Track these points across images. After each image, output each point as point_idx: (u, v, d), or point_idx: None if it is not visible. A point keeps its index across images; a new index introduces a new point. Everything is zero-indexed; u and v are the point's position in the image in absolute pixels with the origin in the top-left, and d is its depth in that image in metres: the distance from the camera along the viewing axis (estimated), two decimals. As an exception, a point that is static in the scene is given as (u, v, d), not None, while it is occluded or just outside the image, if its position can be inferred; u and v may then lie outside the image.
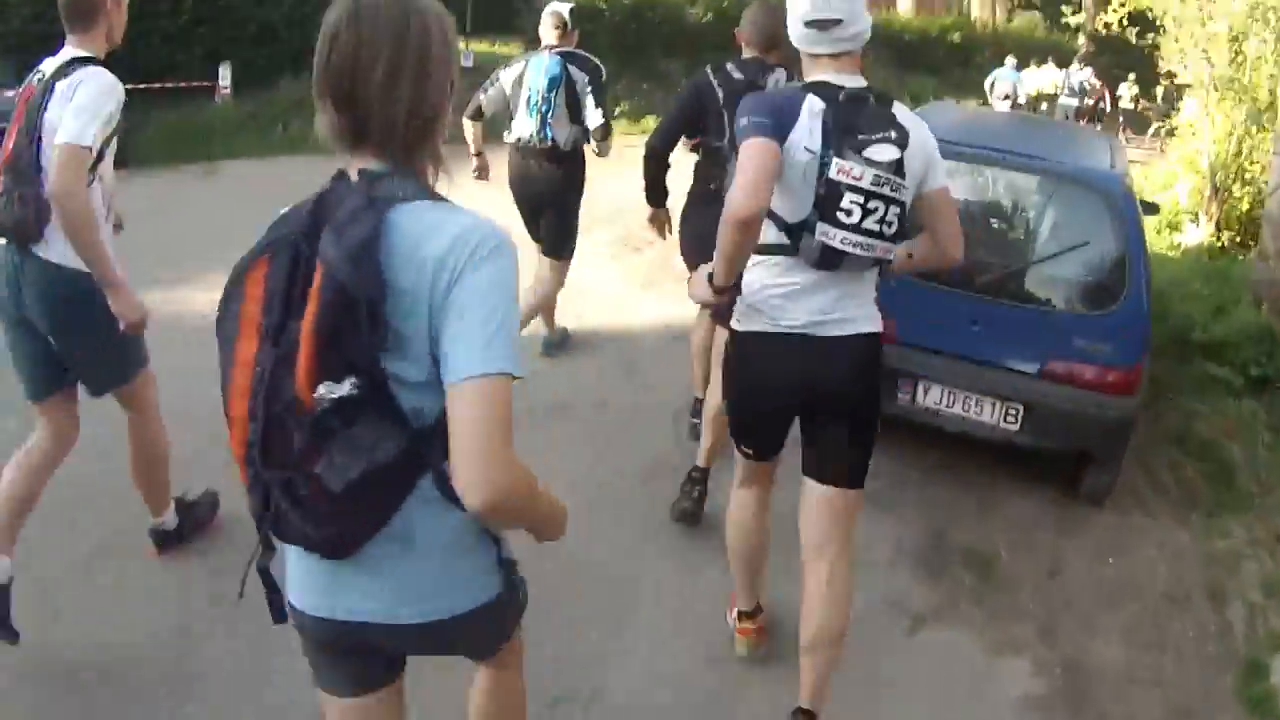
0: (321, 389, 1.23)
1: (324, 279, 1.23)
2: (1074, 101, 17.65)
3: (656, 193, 4.08)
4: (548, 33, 4.70)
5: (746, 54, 3.81)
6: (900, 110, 2.43)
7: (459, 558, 1.44)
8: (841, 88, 2.34)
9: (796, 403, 2.62)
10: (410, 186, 1.35)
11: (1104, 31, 14.57)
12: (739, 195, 2.19)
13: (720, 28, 15.94)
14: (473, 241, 1.29)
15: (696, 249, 3.47)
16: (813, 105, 2.33)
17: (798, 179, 2.32)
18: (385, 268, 1.25)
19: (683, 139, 4.00)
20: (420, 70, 1.35)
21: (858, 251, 2.34)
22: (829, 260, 2.36)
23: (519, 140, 4.67)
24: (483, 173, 4.95)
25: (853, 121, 2.29)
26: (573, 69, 4.56)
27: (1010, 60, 18.28)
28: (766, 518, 2.93)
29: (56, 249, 2.76)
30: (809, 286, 2.45)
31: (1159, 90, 15.14)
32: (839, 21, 2.34)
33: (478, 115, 4.81)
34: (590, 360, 5.41)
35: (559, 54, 4.60)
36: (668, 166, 4.00)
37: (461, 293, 1.26)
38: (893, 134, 2.31)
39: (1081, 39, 30.50)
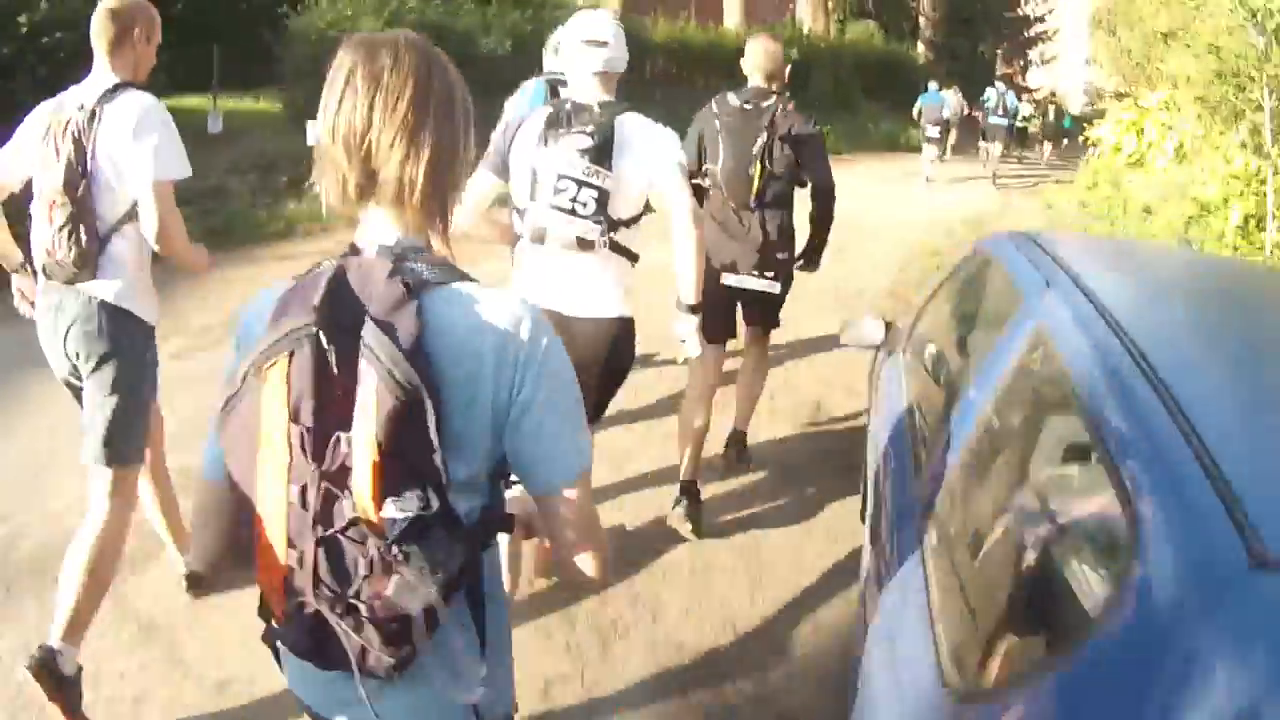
0: (390, 508, 1.10)
1: (382, 384, 1.09)
2: (1003, 121, 17.98)
3: None
4: (551, 59, 4.68)
5: (751, 81, 4.01)
6: (629, 118, 2.81)
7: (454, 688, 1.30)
8: (570, 101, 2.87)
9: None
10: (436, 264, 1.23)
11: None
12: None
13: (519, 60, 14.11)
14: (526, 329, 1.22)
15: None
16: (541, 113, 2.90)
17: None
18: (436, 364, 1.15)
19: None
20: (442, 124, 1.25)
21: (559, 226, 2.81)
22: (538, 235, 2.85)
23: None
24: None
25: (561, 120, 2.81)
26: None
27: (933, 84, 18.90)
28: None
29: (106, 287, 2.76)
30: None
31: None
32: (605, 44, 2.84)
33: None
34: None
35: (549, 80, 4.45)
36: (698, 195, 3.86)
37: (533, 389, 1.21)
38: (591, 128, 2.76)
39: (920, 47, 29.81)
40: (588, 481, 1.27)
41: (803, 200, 4.11)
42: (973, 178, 17.68)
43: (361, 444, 1.10)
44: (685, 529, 3.83)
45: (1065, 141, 25.04)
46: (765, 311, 4.20)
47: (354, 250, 1.26)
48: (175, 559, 3.37)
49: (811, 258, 4.23)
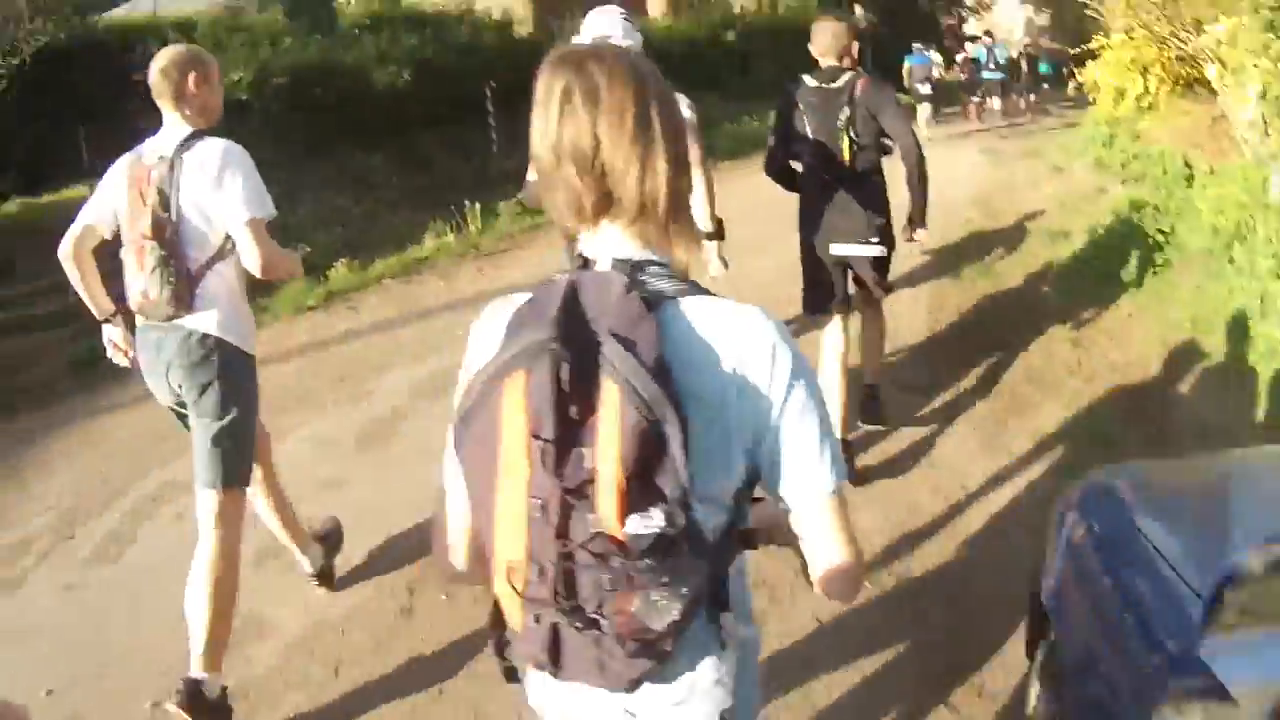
0: (635, 524, 1.09)
1: (625, 399, 1.07)
2: (998, 75, 17.79)
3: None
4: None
5: (823, 63, 4.23)
6: None
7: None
8: None
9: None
10: (673, 277, 1.25)
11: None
12: None
13: (425, 88, 12.23)
14: (770, 341, 1.20)
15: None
16: None
17: None
18: (679, 378, 1.12)
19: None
20: (668, 133, 1.24)
21: None
22: None
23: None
24: None
25: None
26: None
27: (916, 45, 18.87)
28: None
29: (204, 319, 2.90)
30: None
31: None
32: (609, 38, 3.47)
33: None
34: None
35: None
36: (792, 178, 4.45)
37: (783, 402, 1.19)
38: None
39: (858, 10, 27.94)
40: (842, 493, 1.24)
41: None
42: (966, 134, 17.65)
43: (606, 460, 1.08)
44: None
45: (1044, 88, 24.73)
46: (876, 275, 4.38)
47: (586, 263, 1.26)
48: (298, 559, 3.54)
49: (918, 219, 4.39)
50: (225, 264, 2.92)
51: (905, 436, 4.73)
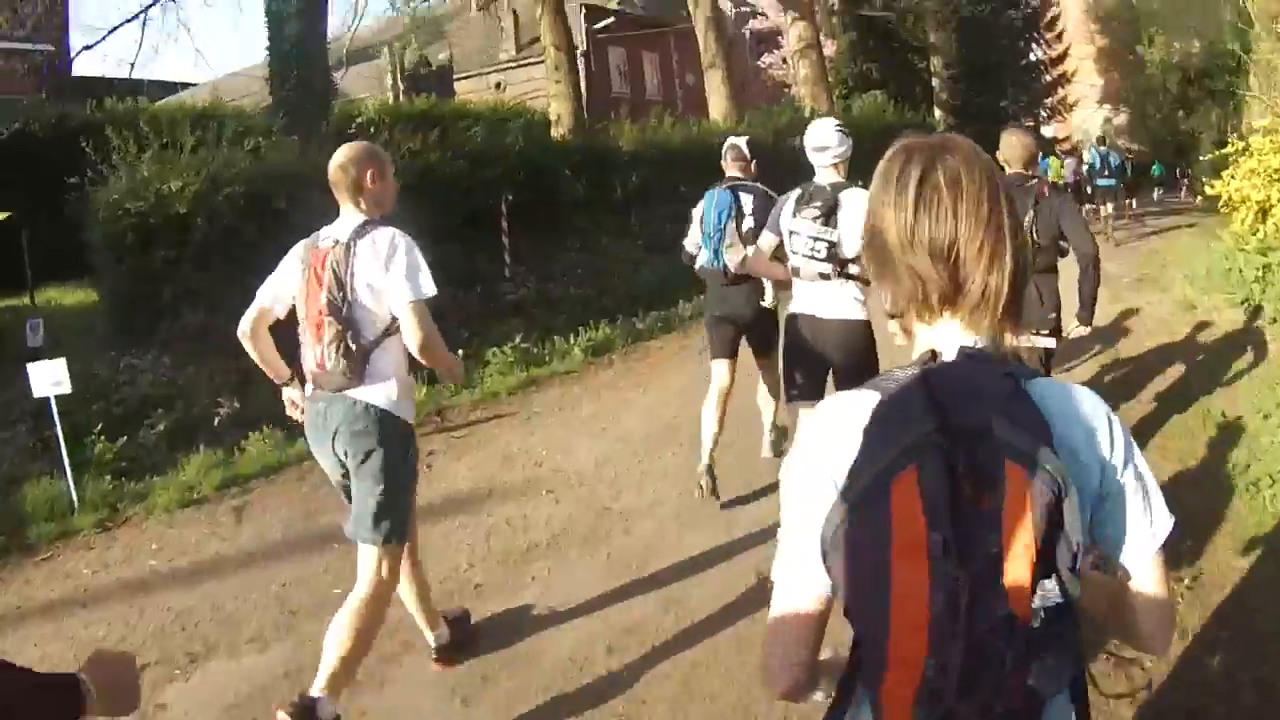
0: (1038, 599, 1.14)
1: (1033, 479, 1.12)
2: (1112, 182, 17.65)
3: None
4: (730, 165, 5.26)
5: (1009, 171, 4.64)
6: (849, 193, 4.07)
7: None
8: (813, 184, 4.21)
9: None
10: (1013, 364, 1.29)
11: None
12: None
13: (426, 200, 10.21)
14: (1106, 419, 1.27)
15: None
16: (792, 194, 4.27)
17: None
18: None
19: None
20: (1015, 226, 1.29)
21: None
22: (795, 272, 4.24)
23: (701, 268, 5.17)
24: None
25: (804, 198, 4.18)
26: (743, 196, 5.01)
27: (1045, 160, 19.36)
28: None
29: (370, 392, 3.13)
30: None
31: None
32: (828, 148, 4.16)
33: (689, 261, 5.41)
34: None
35: (730, 186, 5.05)
36: None
37: (1119, 475, 1.25)
38: (820, 202, 4.08)
39: (937, 111, 26.06)
40: (1163, 555, 1.29)
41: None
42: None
43: (1017, 542, 1.11)
44: None
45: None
46: (1045, 366, 4.79)
47: (934, 356, 1.29)
48: (427, 635, 3.70)
49: (1083, 315, 4.69)
50: (393, 341, 3.16)
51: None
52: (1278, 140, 10.14)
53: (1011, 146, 4.60)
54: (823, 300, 4.07)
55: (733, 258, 4.87)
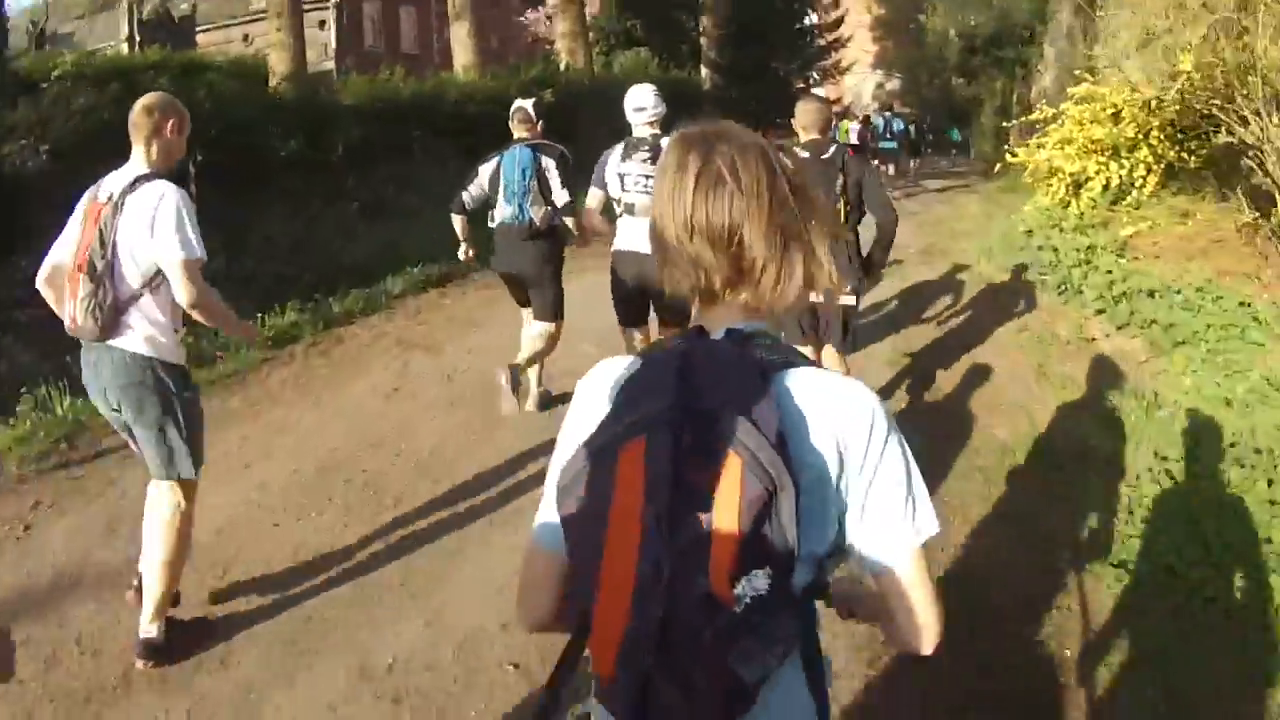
0: (742, 586, 1.14)
1: (747, 470, 1.13)
2: (893, 144, 19.44)
3: None
4: (517, 128, 5.44)
5: (804, 137, 4.76)
6: (666, 139, 3.32)
7: None
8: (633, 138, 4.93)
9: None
10: (777, 348, 1.30)
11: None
12: None
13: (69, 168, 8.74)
14: (868, 414, 1.26)
15: None
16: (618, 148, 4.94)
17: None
18: (790, 446, 1.18)
19: None
20: (792, 211, 1.31)
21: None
22: (629, 209, 4.84)
23: (501, 224, 5.34)
24: (468, 258, 5.87)
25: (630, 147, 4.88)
26: (542, 157, 5.27)
27: (843, 123, 20.44)
28: None
29: (133, 340, 3.17)
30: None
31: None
32: (644, 109, 4.87)
33: (461, 209, 5.56)
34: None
35: (529, 145, 5.29)
36: None
37: (875, 472, 1.25)
38: (647, 148, 4.80)
39: (704, 70, 25.71)
40: (923, 554, 1.28)
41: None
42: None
43: (723, 526, 1.13)
44: None
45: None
46: (845, 322, 4.94)
47: (700, 332, 1.31)
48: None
49: (867, 281, 5.06)
50: (159, 292, 3.17)
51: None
52: (1094, 110, 9.53)
53: (807, 113, 4.69)
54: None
55: (536, 212, 5.19)
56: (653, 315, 5.06)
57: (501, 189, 5.26)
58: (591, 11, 24.19)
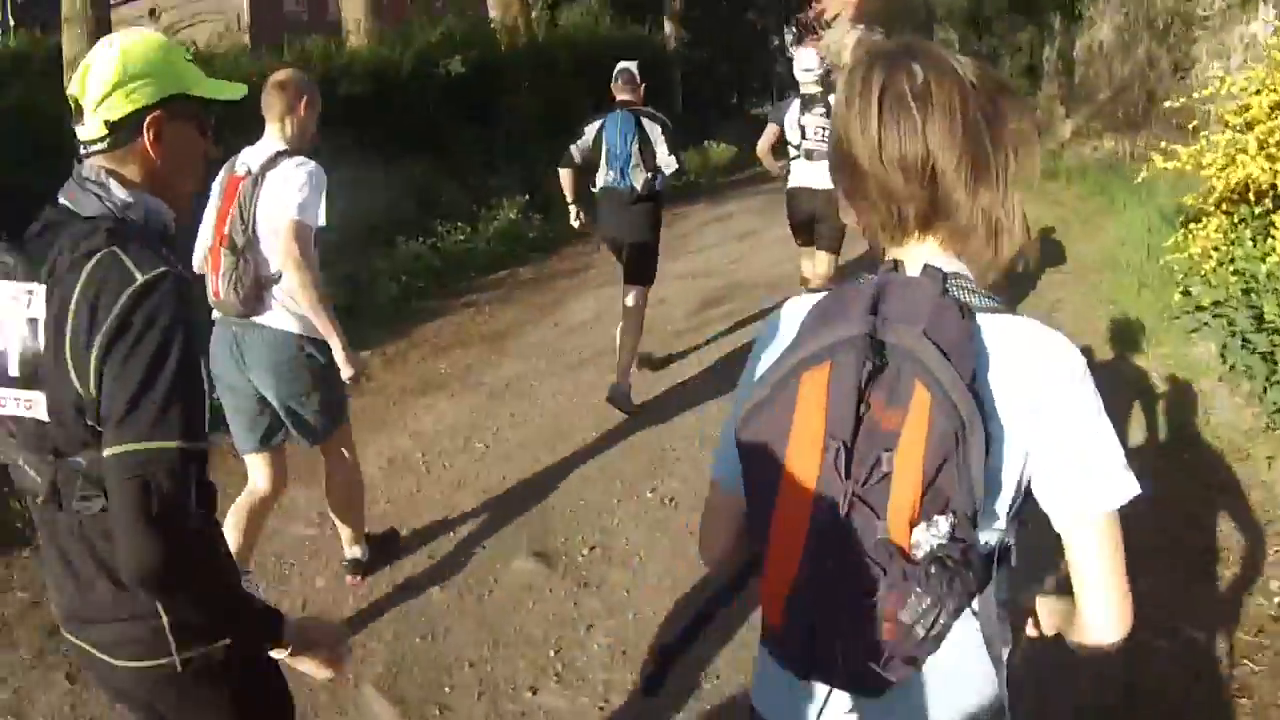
0: (920, 533, 1.08)
1: (936, 407, 1.06)
2: None
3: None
4: (620, 90, 5.49)
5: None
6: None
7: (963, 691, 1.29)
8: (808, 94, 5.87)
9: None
10: (983, 293, 1.22)
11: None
12: None
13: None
14: (1070, 366, 1.17)
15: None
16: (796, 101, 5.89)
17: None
18: (984, 394, 1.13)
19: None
20: (995, 140, 1.19)
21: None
22: (809, 154, 5.81)
23: (604, 188, 5.46)
24: (580, 221, 5.85)
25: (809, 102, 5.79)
26: (646, 122, 5.35)
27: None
28: None
29: (277, 316, 3.21)
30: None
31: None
32: (810, 69, 5.83)
33: (570, 163, 5.59)
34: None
35: (631, 110, 5.36)
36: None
37: (1078, 425, 1.16)
38: (823, 105, 5.69)
39: (668, 26, 22.18)
40: (1119, 526, 1.17)
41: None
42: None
43: (906, 466, 1.07)
44: None
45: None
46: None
47: (897, 266, 1.24)
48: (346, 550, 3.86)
49: None
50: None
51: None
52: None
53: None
54: (821, 175, 5.16)
55: (638, 177, 5.31)
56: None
57: (605, 153, 5.36)
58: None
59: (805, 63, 5.83)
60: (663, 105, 8.84)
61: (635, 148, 5.28)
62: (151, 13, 23.80)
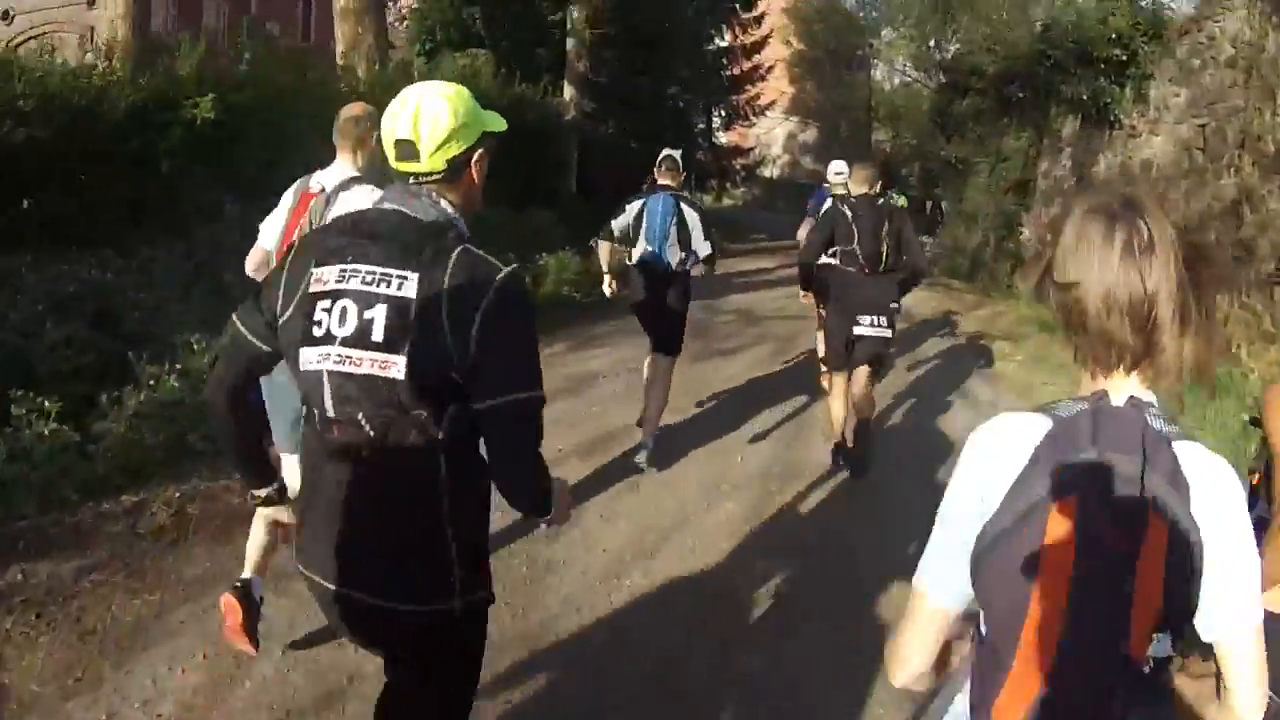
0: (1152, 646, 1.25)
1: (1171, 533, 1.23)
2: None
3: (808, 281, 6.07)
4: (663, 175, 5.73)
5: (857, 190, 5.64)
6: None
7: None
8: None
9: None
10: (1163, 418, 1.33)
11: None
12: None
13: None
14: (1233, 487, 1.29)
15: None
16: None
17: None
18: None
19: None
20: (1193, 284, 1.29)
21: None
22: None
23: (640, 261, 5.66)
24: (613, 290, 5.96)
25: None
26: (685, 207, 5.63)
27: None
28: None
29: None
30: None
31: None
32: (841, 173, 7.32)
33: (610, 236, 5.82)
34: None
35: (673, 194, 5.66)
36: (814, 270, 5.91)
37: (1240, 546, 1.28)
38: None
39: (568, 89, 18.15)
40: (1261, 632, 1.29)
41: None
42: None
43: (1147, 589, 1.21)
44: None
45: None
46: (881, 355, 5.85)
47: (1104, 396, 1.31)
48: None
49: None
50: None
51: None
52: None
53: (868, 176, 5.60)
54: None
55: (674, 255, 5.57)
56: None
57: (644, 230, 5.61)
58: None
59: (837, 167, 7.46)
60: (556, 183, 12.95)
61: (672, 228, 5.56)
62: (4, 14, 18.77)
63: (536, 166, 13.90)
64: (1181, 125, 9.98)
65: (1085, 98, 12.52)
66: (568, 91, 17.55)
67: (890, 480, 5.60)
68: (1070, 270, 1.31)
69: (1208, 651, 1.32)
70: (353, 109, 3.37)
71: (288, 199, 3.37)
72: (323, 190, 3.23)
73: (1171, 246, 1.26)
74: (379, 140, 2.25)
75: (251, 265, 3.43)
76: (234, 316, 1.94)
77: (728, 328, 10.02)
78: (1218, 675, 1.32)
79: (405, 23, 21.44)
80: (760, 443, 6.30)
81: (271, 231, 3.39)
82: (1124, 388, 1.32)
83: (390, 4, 21.29)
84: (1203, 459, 1.27)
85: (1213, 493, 1.25)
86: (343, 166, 3.31)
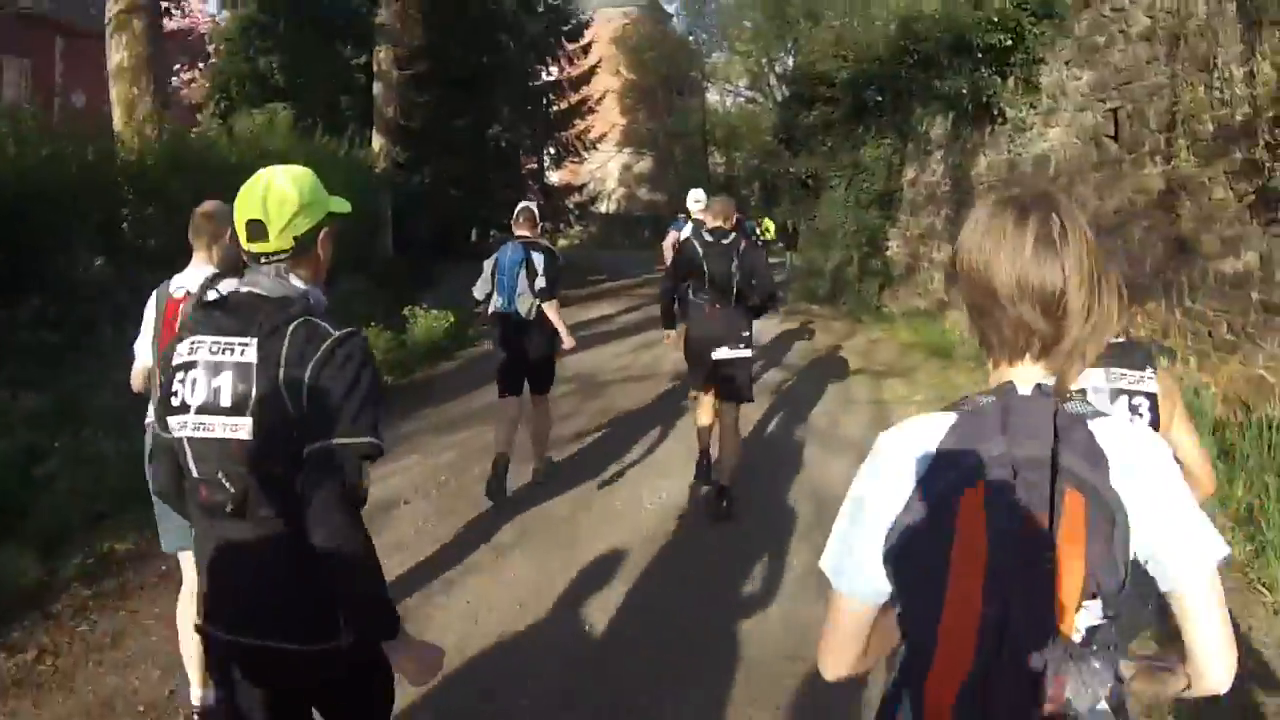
0: (1082, 617, 1.27)
1: (1090, 505, 1.26)
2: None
3: (670, 319, 6.32)
4: (521, 227, 5.95)
5: (712, 224, 5.80)
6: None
7: None
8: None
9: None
10: (1083, 401, 1.39)
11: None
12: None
13: None
14: (1159, 454, 1.33)
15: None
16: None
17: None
18: None
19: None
20: (1101, 278, 1.34)
21: None
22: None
23: (493, 314, 5.93)
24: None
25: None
26: (533, 253, 5.77)
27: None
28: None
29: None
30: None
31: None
32: (700, 201, 8.46)
33: (477, 302, 6.09)
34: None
35: (524, 243, 5.86)
36: (674, 300, 6.20)
37: (1174, 503, 1.30)
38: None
39: (376, 139, 16.55)
40: (1217, 577, 1.31)
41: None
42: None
43: (1069, 562, 1.23)
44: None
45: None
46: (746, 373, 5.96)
47: (1010, 388, 1.34)
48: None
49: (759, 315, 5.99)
50: None
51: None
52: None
53: (723, 210, 5.85)
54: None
55: (522, 305, 5.71)
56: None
57: (496, 284, 5.81)
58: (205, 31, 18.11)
59: (695, 195, 8.42)
60: (369, 244, 12.32)
61: (522, 275, 5.72)
62: None
63: (344, 228, 11.14)
64: (1085, 113, 8.95)
65: (963, 91, 11.37)
66: (376, 141, 15.71)
67: (770, 538, 5.30)
68: (978, 259, 1.34)
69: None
70: (206, 206, 3.40)
71: (150, 310, 3.43)
72: (188, 294, 3.12)
73: (1084, 240, 1.31)
74: (232, 234, 2.36)
75: (137, 383, 3.52)
76: (146, 423, 2.64)
77: (566, 403, 8.20)
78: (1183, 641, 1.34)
79: (196, 81, 19.32)
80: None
81: (144, 346, 3.45)
82: (1030, 375, 1.35)
83: (184, 65, 19.75)
84: (1119, 431, 1.32)
85: (1133, 459, 1.29)
86: (199, 265, 3.33)
